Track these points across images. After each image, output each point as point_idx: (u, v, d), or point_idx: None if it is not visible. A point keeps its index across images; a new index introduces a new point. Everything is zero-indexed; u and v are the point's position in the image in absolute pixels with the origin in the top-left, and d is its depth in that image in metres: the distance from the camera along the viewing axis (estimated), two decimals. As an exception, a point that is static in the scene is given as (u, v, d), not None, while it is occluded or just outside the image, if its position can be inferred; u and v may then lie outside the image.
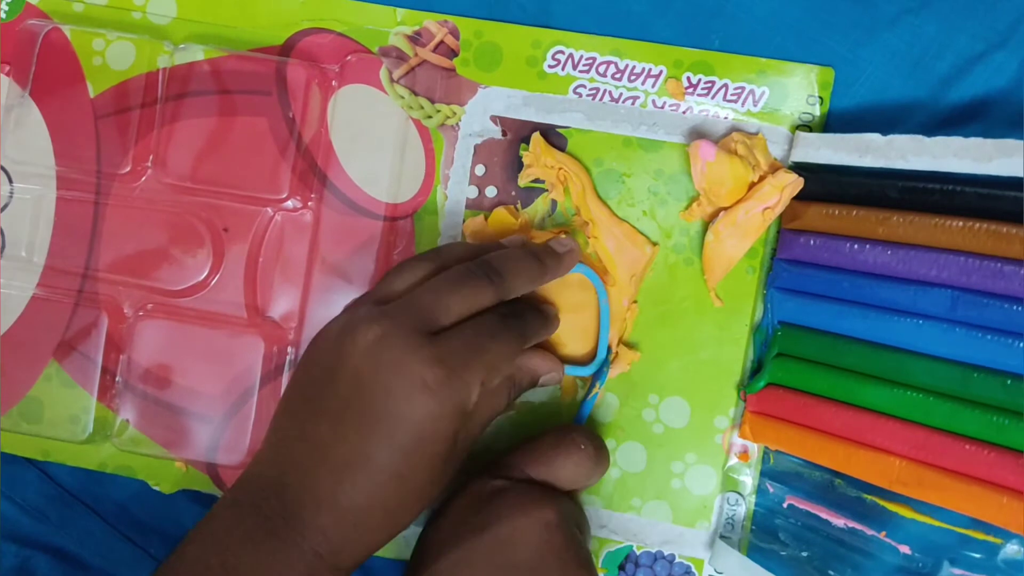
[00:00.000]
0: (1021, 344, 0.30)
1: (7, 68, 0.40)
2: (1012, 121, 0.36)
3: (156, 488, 0.40)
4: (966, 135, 0.31)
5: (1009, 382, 0.30)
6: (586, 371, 0.37)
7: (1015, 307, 0.30)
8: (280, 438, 0.32)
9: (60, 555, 0.41)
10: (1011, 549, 0.31)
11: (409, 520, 0.32)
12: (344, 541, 0.30)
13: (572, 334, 0.38)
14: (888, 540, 0.34)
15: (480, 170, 0.39)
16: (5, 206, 0.40)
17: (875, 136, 0.33)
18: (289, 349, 0.39)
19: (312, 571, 0.30)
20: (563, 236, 0.37)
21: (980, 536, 0.32)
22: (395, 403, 0.30)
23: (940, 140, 0.32)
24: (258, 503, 0.30)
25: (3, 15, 0.40)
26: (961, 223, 0.31)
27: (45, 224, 0.40)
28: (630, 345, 0.38)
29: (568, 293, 0.37)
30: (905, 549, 0.33)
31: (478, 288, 0.32)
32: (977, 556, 0.32)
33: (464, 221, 0.39)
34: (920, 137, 0.32)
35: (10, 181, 0.40)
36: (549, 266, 0.35)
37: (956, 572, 0.32)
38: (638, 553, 0.38)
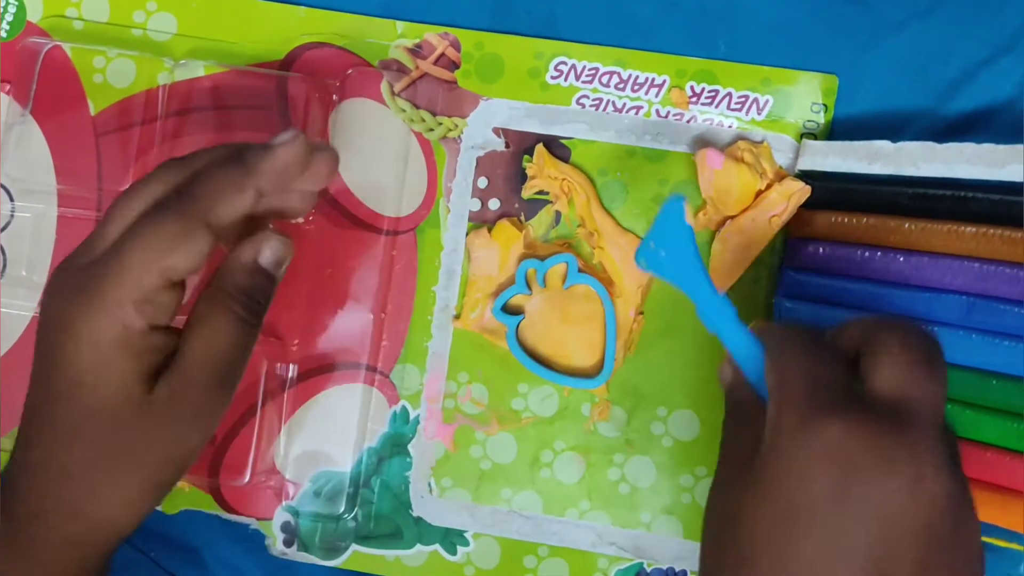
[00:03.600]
0: (1038, 349, 0.29)
1: (8, 86, 0.40)
2: (1019, 126, 0.36)
3: (159, 509, 0.40)
4: (972, 141, 0.31)
5: (1028, 388, 0.30)
6: (593, 384, 0.37)
7: (1032, 312, 0.30)
8: None
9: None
10: (1035, 558, 0.31)
11: (130, 482, 0.28)
12: (61, 511, 0.28)
13: (578, 346, 0.37)
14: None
15: (483, 182, 0.39)
16: (6, 225, 0.40)
17: (884, 143, 0.33)
18: (291, 366, 0.39)
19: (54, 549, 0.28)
20: (289, 131, 0.29)
21: (1003, 544, 0.31)
22: (60, 355, 0.27)
23: (951, 146, 0.31)
24: None
25: (3, 34, 0.40)
26: (974, 229, 0.30)
27: (46, 243, 0.40)
28: None
29: (574, 305, 0.37)
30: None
31: (170, 236, 0.27)
32: (1003, 566, 0.31)
33: (467, 234, 0.38)
34: (931, 144, 0.32)
35: (11, 199, 0.40)
36: (257, 167, 0.28)
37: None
38: (649, 570, 0.38)
